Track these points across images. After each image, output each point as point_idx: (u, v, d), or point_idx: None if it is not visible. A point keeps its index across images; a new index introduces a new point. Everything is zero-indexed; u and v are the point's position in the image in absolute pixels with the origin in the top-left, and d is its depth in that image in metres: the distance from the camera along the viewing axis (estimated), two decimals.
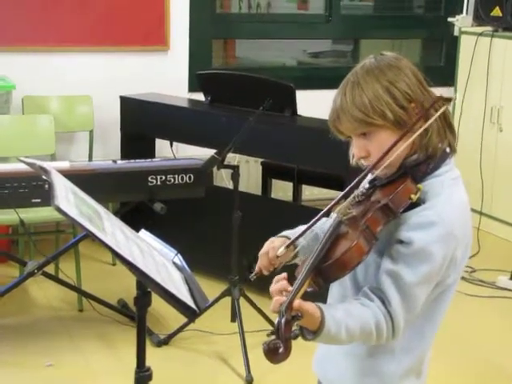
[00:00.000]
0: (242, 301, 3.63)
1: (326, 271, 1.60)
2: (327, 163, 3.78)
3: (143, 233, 2.01)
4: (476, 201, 5.23)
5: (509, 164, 5.22)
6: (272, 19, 5.70)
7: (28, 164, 2.08)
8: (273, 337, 1.51)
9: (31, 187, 3.33)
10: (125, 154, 4.62)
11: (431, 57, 6.29)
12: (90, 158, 4.80)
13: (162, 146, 4.77)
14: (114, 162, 3.68)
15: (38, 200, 3.35)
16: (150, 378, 1.86)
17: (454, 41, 5.76)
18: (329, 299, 1.85)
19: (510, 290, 4.45)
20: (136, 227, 1.99)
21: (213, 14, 5.36)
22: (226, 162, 3.46)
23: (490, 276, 4.58)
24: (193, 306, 1.71)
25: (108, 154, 4.74)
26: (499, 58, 5.26)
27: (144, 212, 3.59)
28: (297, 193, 4.76)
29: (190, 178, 3.63)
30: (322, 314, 1.58)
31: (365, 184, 1.74)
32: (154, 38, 5.07)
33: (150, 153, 4.74)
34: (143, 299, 1.80)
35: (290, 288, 1.58)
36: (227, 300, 3.65)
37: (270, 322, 3.47)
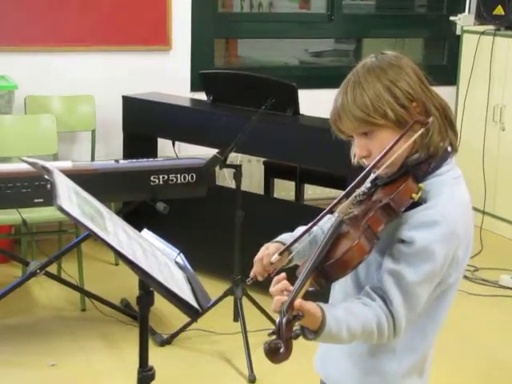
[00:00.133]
0: (245, 300, 3.63)
1: (327, 271, 1.60)
2: (329, 162, 3.78)
3: (145, 232, 2.01)
4: (479, 200, 5.22)
5: (511, 163, 5.22)
6: (274, 18, 5.70)
7: (30, 164, 2.08)
8: (274, 337, 1.51)
9: (34, 187, 3.33)
10: (127, 154, 4.62)
11: (433, 56, 6.29)
12: (93, 157, 4.80)
13: (165, 146, 4.78)
14: (117, 161, 3.68)
15: (41, 200, 3.35)
16: (152, 377, 1.86)
17: (456, 40, 5.75)
18: (331, 298, 1.85)
19: None
20: (138, 227, 1.99)
21: (215, 14, 5.36)
22: (228, 162, 3.46)
23: (493, 275, 4.58)
24: (195, 305, 1.71)
25: (110, 154, 4.74)
26: (501, 57, 5.26)
27: (146, 211, 3.59)
28: (299, 192, 4.76)
29: (192, 177, 3.62)
30: (322, 314, 1.58)
31: (367, 183, 1.73)
32: (156, 37, 5.07)
33: (153, 152, 4.74)
34: (146, 299, 1.80)
35: (291, 288, 1.58)
36: (230, 299, 3.65)
37: (273, 321, 3.47)
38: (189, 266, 1.93)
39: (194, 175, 3.63)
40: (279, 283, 1.62)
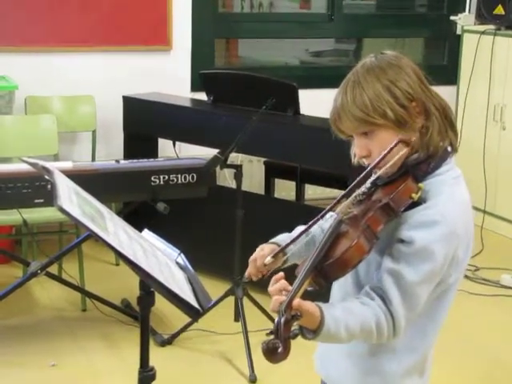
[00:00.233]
0: (246, 300, 3.63)
1: (326, 270, 1.60)
2: (330, 162, 3.77)
3: (146, 233, 2.01)
4: (479, 199, 5.22)
5: None
6: (274, 18, 5.70)
7: (31, 164, 2.08)
8: (272, 336, 1.50)
9: (34, 187, 3.33)
10: (128, 154, 4.62)
11: (434, 55, 6.29)
12: (93, 157, 4.80)
13: (165, 146, 4.78)
14: (117, 161, 3.68)
15: (41, 200, 3.35)
16: (153, 377, 1.86)
17: (456, 39, 5.75)
18: (331, 298, 1.85)
19: None
20: (139, 227, 1.99)
21: (215, 14, 5.36)
22: (228, 162, 3.46)
23: (494, 274, 4.58)
24: (196, 305, 1.71)
25: (111, 154, 4.74)
26: (502, 56, 5.26)
27: (147, 212, 3.59)
28: (300, 192, 4.76)
29: (192, 177, 3.62)
30: (321, 313, 1.59)
31: (367, 184, 1.74)
32: (156, 37, 5.07)
33: (153, 152, 4.74)
34: (146, 299, 1.80)
35: (290, 287, 1.58)
36: (230, 299, 3.65)
37: (274, 321, 3.46)
38: (189, 266, 1.93)
39: (195, 175, 3.63)
40: (278, 283, 1.62)
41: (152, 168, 3.61)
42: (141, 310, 1.81)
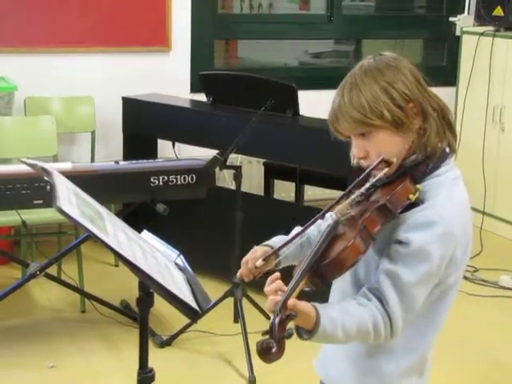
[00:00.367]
0: (245, 301, 3.63)
1: (322, 271, 1.61)
2: (329, 163, 3.77)
3: (145, 234, 2.01)
4: (478, 200, 5.22)
5: (511, 163, 5.22)
6: (273, 20, 5.70)
7: (30, 165, 2.08)
8: (267, 336, 1.51)
9: (33, 188, 3.32)
10: (127, 155, 4.62)
11: (433, 57, 6.29)
12: (92, 158, 4.80)
13: (164, 147, 4.78)
14: (116, 162, 3.68)
15: (40, 201, 3.35)
16: (152, 379, 1.86)
17: (455, 41, 5.76)
18: (330, 298, 1.86)
19: None
20: (138, 228, 1.99)
21: (214, 15, 5.36)
22: (228, 163, 3.46)
23: (493, 275, 4.58)
24: (195, 306, 1.71)
25: (110, 155, 4.74)
26: (501, 58, 5.26)
27: (146, 213, 3.59)
28: (299, 193, 4.77)
29: (192, 178, 3.62)
30: (317, 314, 1.59)
31: (365, 186, 1.74)
32: (155, 38, 5.07)
33: (152, 153, 4.74)
34: (145, 300, 1.80)
35: (285, 288, 1.59)
36: (230, 301, 3.65)
37: None
38: (188, 268, 1.93)
39: (194, 176, 3.63)
40: (273, 283, 1.63)
41: (151, 169, 3.61)
42: (140, 311, 1.81)
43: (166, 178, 3.57)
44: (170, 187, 3.58)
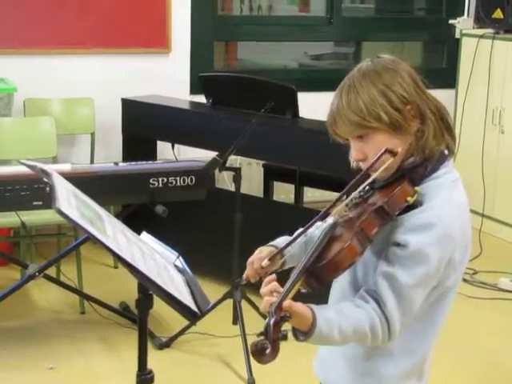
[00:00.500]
0: (244, 303, 3.63)
1: (318, 272, 1.61)
2: (329, 165, 3.77)
3: (145, 235, 2.01)
4: (478, 203, 5.22)
5: (510, 166, 5.22)
6: (273, 21, 5.70)
7: (29, 167, 2.08)
8: (262, 337, 1.51)
9: (33, 190, 3.32)
10: (126, 157, 4.62)
11: (433, 59, 6.29)
12: (92, 160, 4.79)
13: (164, 148, 4.77)
14: (116, 164, 3.67)
15: (40, 202, 3.35)
16: (151, 380, 1.86)
17: (455, 43, 5.76)
18: (330, 300, 1.86)
19: (511, 291, 4.45)
20: (137, 230, 1.99)
21: (214, 17, 5.36)
22: (227, 165, 3.46)
23: (492, 278, 4.58)
24: (194, 308, 1.71)
25: (109, 157, 4.74)
26: (500, 60, 5.26)
27: (145, 214, 3.59)
28: (298, 195, 4.76)
29: (191, 180, 3.62)
30: (313, 315, 1.59)
31: (363, 186, 1.74)
32: (155, 40, 5.07)
33: (152, 155, 4.74)
34: (145, 302, 1.80)
35: (281, 289, 1.59)
36: (229, 302, 3.65)
37: None
38: (188, 269, 1.93)
39: (194, 178, 3.63)
40: (269, 284, 1.63)
41: (151, 170, 3.61)
42: (139, 312, 1.81)
43: (165, 179, 3.57)
44: (169, 189, 3.58)
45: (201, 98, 4.63)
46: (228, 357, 3.61)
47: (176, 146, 4.60)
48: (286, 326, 1.56)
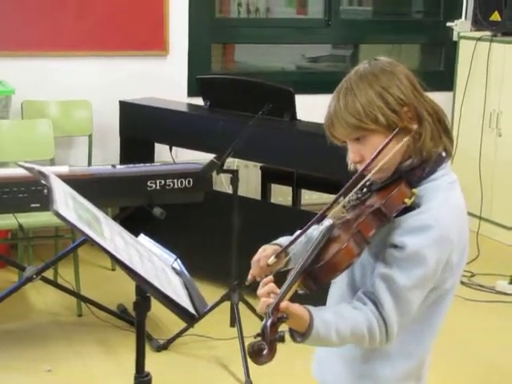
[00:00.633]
0: (242, 305, 3.63)
1: (315, 273, 1.61)
2: (326, 168, 3.77)
3: (142, 238, 2.01)
4: (475, 205, 5.23)
5: (508, 169, 5.23)
6: (271, 24, 5.71)
7: (27, 169, 2.08)
8: (259, 338, 1.51)
9: (30, 192, 3.32)
10: (124, 159, 4.62)
11: (430, 61, 6.29)
12: (89, 162, 4.79)
13: (161, 151, 4.78)
14: (113, 166, 3.67)
15: (37, 205, 3.35)
16: (149, 383, 1.85)
17: (452, 46, 5.77)
18: (328, 302, 1.86)
19: (509, 294, 4.45)
20: (135, 232, 1.99)
21: (212, 19, 5.37)
22: (225, 167, 3.46)
23: (490, 280, 4.58)
24: (192, 310, 1.71)
25: (107, 159, 4.74)
26: (498, 63, 5.27)
27: (143, 217, 3.59)
28: (296, 197, 4.76)
29: (189, 182, 3.62)
30: (310, 316, 1.59)
31: (362, 188, 1.74)
32: (153, 42, 5.07)
33: (149, 157, 4.74)
34: (142, 304, 1.80)
35: (278, 290, 1.59)
36: (226, 305, 3.65)
37: None
38: (185, 272, 1.93)
39: (191, 180, 3.63)
40: (266, 285, 1.63)
41: (148, 173, 3.60)
42: (137, 315, 1.81)
43: (163, 181, 3.57)
44: (167, 191, 3.58)
45: (198, 101, 4.63)
46: (225, 359, 3.60)
47: (174, 148, 4.60)
48: (284, 327, 1.56)
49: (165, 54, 5.13)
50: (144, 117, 4.59)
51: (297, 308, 1.57)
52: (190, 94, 5.17)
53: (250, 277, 1.84)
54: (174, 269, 1.92)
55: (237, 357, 3.45)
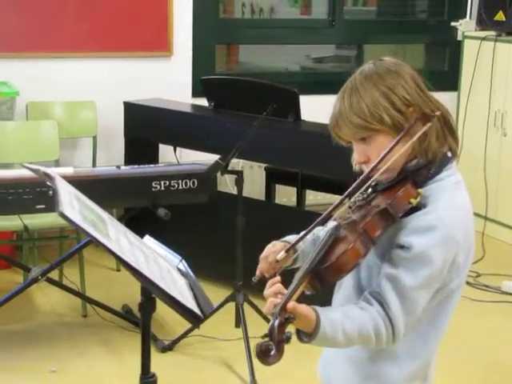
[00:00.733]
0: (246, 306, 3.63)
1: (322, 274, 1.61)
2: (331, 168, 3.77)
3: (148, 239, 2.01)
4: (480, 206, 5.22)
5: None
6: (275, 24, 5.71)
7: (32, 170, 2.08)
8: (266, 339, 1.51)
9: (35, 193, 3.33)
10: (128, 160, 4.62)
11: (435, 61, 6.29)
12: (94, 163, 4.80)
13: (166, 152, 4.78)
14: (118, 167, 3.67)
15: (43, 206, 3.35)
16: None
17: (457, 45, 5.76)
18: (333, 302, 1.86)
19: None
20: (140, 233, 1.99)
21: (216, 20, 5.37)
22: (229, 168, 3.46)
23: (495, 281, 4.57)
24: (197, 311, 1.70)
25: (112, 160, 4.74)
26: (503, 63, 5.26)
27: (148, 218, 3.59)
28: (300, 198, 4.76)
29: (193, 183, 3.62)
30: (317, 317, 1.59)
31: (368, 188, 1.74)
32: (157, 43, 5.07)
33: (154, 158, 4.74)
34: (148, 305, 1.80)
35: (285, 291, 1.59)
36: (231, 305, 3.65)
37: None
38: (191, 273, 1.93)
39: (196, 181, 3.63)
40: (273, 286, 1.63)
41: (153, 174, 3.60)
42: (142, 316, 1.81)
43: (167, 182, 3.57)
44: (171, 192, 3.58)
45: (203, 102, 4.63)
46: (231, 360, 3.60)
47: (178, 149, 4.61)
48: (290, 328, 1.56)
49: (169, 54, 5.13)
50: (148, 118, 4.59)
51: (304, 308, 1.57)
52: (195, 94, 5.17)
53: (258, 273, 1.82)
54: (179, 270, 1.92)
55: (242, 357, 3.45)
